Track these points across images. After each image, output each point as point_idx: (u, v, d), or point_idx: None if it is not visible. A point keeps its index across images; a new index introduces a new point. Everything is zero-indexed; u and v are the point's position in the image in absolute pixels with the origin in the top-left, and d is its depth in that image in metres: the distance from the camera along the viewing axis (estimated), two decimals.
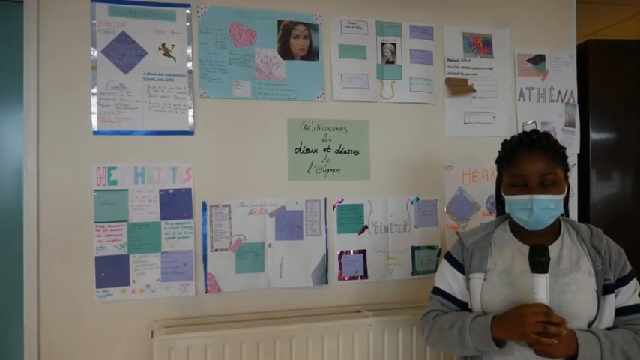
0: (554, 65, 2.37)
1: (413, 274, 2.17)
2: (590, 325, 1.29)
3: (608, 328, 1.30)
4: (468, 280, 1.44)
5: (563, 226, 1.42)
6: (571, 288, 1.29)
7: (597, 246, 1.34)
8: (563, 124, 2.37)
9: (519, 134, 1.42)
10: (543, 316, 1.19)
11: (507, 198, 1.38)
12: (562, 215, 1.42)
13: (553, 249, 1.35)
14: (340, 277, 2.09)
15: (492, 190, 2.25)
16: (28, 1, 1.80)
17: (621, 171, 2.59)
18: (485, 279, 1.38)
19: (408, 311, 1.97)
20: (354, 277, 2.11)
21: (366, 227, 2.13)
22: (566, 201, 1.45)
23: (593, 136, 2.53)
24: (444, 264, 1.52)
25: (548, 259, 1.23)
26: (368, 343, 1.88)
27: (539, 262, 1.23)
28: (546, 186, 1.32)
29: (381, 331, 1.89)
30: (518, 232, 1.41)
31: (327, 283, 2.07)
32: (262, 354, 1.79)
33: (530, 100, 2.35)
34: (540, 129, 2.33)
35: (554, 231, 1.39)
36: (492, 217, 2.27)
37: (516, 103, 2.33)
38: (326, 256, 2.07)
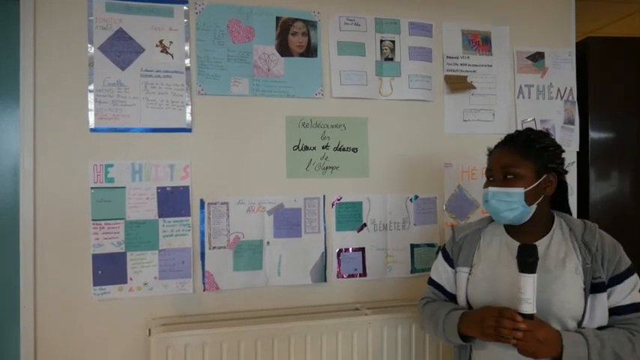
0: (554, 63, 2.36)
1: (412, 271, 2.16)
2: (579, 324, 1.27)
3: (602, 328, 1.27)
4: (455, 273, 1.48)
5: (556, 221, 1.40)
6: (553, 286, 1.28)
7: (589, 243, 1.32)
8: (562, 121, 2.36)
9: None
10: (497, 315, 1.23)
11: (484, 190, 1.42)
12: (559, 210, 1.43)
13: (540, 245, 1.34)
14: (339, 275, 2.09)
15: None
16: None
17: (620, 169, 2.58)
18: (470, 273, 1.42)
19: (406, 309, 1.96)
20: (352, 275, 2.10)
21: (365, 225, 2.12)
22: (562, 197, 1.46)
23: (593, 133, 2.52)
24: (439, 256, 1.58)
25: (537, 259, 1.22)
26: (367, 341, 1.88)
27: (527, 263, 1.21)
28: (508, 179, 1.35)
29: (380, 329, 1.89)
30: (509, 227, 1.42)
31: (325, 281, 2.06)
32: (260, 352, 1.78)
33: (529, 98, 2.34)
34: (539, 126, 2.33)
35: (544, 227, 1.39)
36: None
37: (515, 101, 2.32)
38: (324, 254, 2.06)
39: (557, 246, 1.35)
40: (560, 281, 1.28)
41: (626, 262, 1.32)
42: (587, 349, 1.20)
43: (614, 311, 1.29)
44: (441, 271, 1.54)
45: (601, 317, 1.27)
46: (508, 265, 1.34)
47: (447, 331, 1.39)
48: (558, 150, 1.40)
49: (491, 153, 1.45)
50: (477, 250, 1.45)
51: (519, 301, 1.21)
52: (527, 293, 1.20)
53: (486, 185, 1.40)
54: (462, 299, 1.44)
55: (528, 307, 1.20)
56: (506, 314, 1.22)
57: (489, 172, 1.41)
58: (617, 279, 1.29)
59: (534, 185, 1.33)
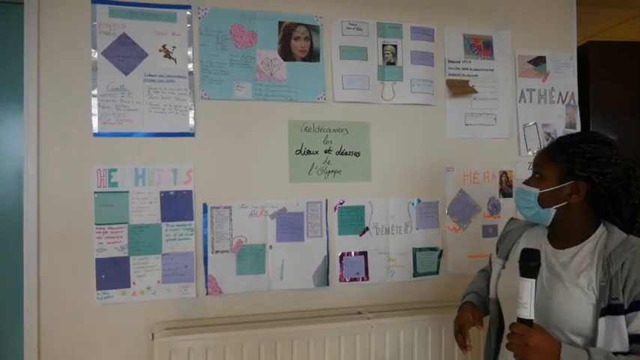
0: (555, 67, 2.37)
1: (414, 275, 2.17)
2: (593, 344, 1.19)
3: (621, 353, 1.17)
4: (493, 261, 1.52)
5: (597, 232, 1.30)
6: (557, 295, 1.25)
7: (612, 262, 1.21)
8: (564, 125, 2.37)
9: None
10: (457, 329, 1.44)
11: None
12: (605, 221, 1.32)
13: (566, 253, 1.30)
14: (341, 279, 2.09)
15: (493, 192, 2.29)
16: (29, 3, 1.80)
17: None
18: (503, 267, 1.44)
19: (409, 313, 1.97)
20: (355, 279, 2.10)
21: (367, 229, 2.12)
22: (616, 209, 1.29)
23: None
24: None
25: (538, 264, 1.19)
26: (369, 345, 1.88)
27: (527, 267, 1.19)
28: (535, 178, 1.35)
29: (383, 333, 1.89)
30: (550, 229, 1.38)
31: (328, 284, 2.07)
32: (263, 356, 1.78)
33: (530, 102, 2.34)
34: (541, 130, 2.34)
35: (580, 235, 1.31)
36: (493, 219, 2.28)
37: (517, 105, 2.33)
38: (327, 258, 2.07)
39: (582, 258, 1.28)
40: (566, 292, 1.24)
41: None
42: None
43: (633, 339, 1.17)
44: (493, 253, 1.56)
45: (619, 341, 1.17)
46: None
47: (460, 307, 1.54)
48: (599, 159, 1.26)
49: None
50: (514, 245, 1.45)
51: (517, 305, 1.19)
52: (525, 298, 1.17)
53: None
54: (492, 288, 1.46)
55: (525, 312, 1.17)
56: (463, 330, 1.43)
57: None
58: (638, 305, 1.17)
59: (551, 189, 1.29)
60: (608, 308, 1.18)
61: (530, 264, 1.19)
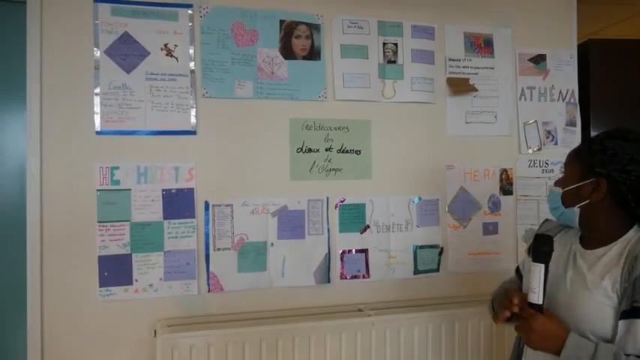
0: (556, 65, 2.37)
1: (415, 273, 2.18)
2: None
3: (635, 355, 1.13)
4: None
5: (629, 234, 1.24)
6: (580, 296, 1.21)
7: (636, 265, 1.16)
8: (564, 123, 2.37)
9: None
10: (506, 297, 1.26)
11: None
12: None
13: (594, 254, 1.26)
14: (342, 277, 2.10)
15: (493, 189, 2.30)
16: (31, 1, 1.81)
17: None
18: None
19: (410, 310, 1.98)
20: (356, 277, 2.11)
21: (368, 226, 2.13)
22: (626, 205, 1.23)
23: (594, 135, 2.53)
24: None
25: (551, 250, 1.19)
26: (370, 342, 1.89)
27: (539, 252, 1.20)
28: (561, 177, 1.34)
29: (383, 330, 1.90)
30: (581, 230, 1.33)
31: (329, 282, 2.08)
32: (265, 353, 1.79)
33: (531, 100, 2.35)
34: (541, 128, 2.34)
35: (609, 236, 1.25)
36: (494, 217, 2.29)
37: (517, 103, 2.34)
38: (328, 256, 2.08)
39: (609, 259, 1.23)
40: (588, 293, 1.20)
41: None
42: (592, 357, 1.11)
43: None
44: (525, 260, 1.46)
45: (632, 345, 1.12)
46: (564, 268, 1.28)
47: (493, 301, 1.43)
48: (622, 156, 1.21)
49: None
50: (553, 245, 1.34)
51: (527, 290, 1.21)
52: (534, 282, 1.18)
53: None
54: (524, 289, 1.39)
55: (533, 297, 1.19)
56: (509, 294, 1.24)
57: None
58: None
59: (573, 187, 1.27)
60: (630, 311, 1.13)
61: (542, 249, 1.19)
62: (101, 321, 1.86)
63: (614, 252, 1.23)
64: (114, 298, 1.86)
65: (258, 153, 2.01)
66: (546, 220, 1.48)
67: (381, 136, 2.15)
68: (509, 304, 1.22)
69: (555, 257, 1.30)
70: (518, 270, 1.53)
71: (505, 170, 2.29)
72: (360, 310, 2.03)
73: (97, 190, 1.85)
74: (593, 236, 1.28)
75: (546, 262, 1.18)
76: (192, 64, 1.95)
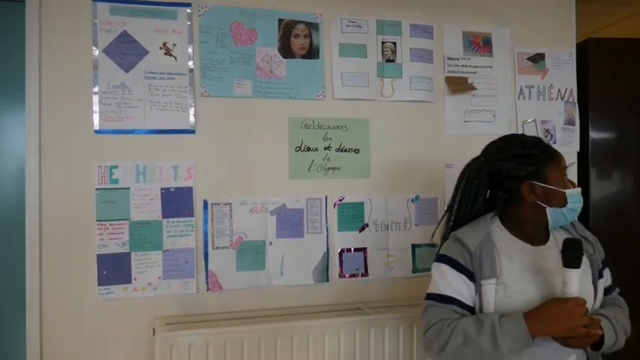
0: (554, 63, 2.38)
1: (413, 271, 2.18)
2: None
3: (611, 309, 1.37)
4: (479, 286, 1.31)
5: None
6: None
7: (586, 236, 1.41)
8: (562, 122, 2.38)
9: (529, 137, 1.47)
10: (585, 309, 1.20)
11: (570, 191, 1.33)
12: None
13: (551, 247, 1.36)
14: (341, 275, 2.10)
15: None
16: (30, 1, 1.81)
17: (621, 169, 2.59)
18: (497, 284, 1.29)
19: (408, 309, 1.98)
20: (354, 275, 2.12)
21: (367, 225, 2.13)
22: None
23: (593, 134, 2.53)
24: (448, 270, 1.36)
25: (582, 254, 1.22)
26: (369, 340, 1.89)
27: (573, 258, 1.21)
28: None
29: (382, 328, 1.90)
30: (516, 230, 1.37)
31: (327, 280, 2.08)
32: (263, 351, 1.80)
33: (530, 99, 2.35)
34: (540, 127, 2.35)
35: (545, 228, 1.40)
36: None
37: (516, 102, 2.34)
38: (327, 254, 2.08)
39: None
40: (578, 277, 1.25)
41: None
42: (614, 328, 1.28)
43: (606, 291, 1.40)
44: (458, 286, 1.33)
45: (600, 300, 1.37)
46: (537, 271, 1.31)
47: (509, 339, 1.20)
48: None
49: (560, 158, 1.39)
50: (497, 258, 1.32)
51: (564, 295, 1.21)
52: (573, 288, 1.21)
53: (571, 185, 1.36)
54: (490, 312, 1.29)
55: None
56: (584, 310, 1.20)
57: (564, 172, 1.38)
58: (605, 263, 1.42)
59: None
60: (597, 274, 1.37)
61: (574, 254, 1.21)
62: (100, 319, 1.86)
63: (559, 237, 1.37)
64: (113, 296, 1.86)
65: (257, 152, 2.02)
66: (457, 238, 1.38)
67: (379, 135, 2.15)
68: (593, 320, 1.22)
69: (518, 265, 1.32)
70: (451, 299, 1.34)
71: None
72: (358, 308, 2.04)
73: (96, 188, 1.86)
74: (533, 234, 1.39)
75: (579, 267, 1.22)
76: (190, 63, 1.95)
